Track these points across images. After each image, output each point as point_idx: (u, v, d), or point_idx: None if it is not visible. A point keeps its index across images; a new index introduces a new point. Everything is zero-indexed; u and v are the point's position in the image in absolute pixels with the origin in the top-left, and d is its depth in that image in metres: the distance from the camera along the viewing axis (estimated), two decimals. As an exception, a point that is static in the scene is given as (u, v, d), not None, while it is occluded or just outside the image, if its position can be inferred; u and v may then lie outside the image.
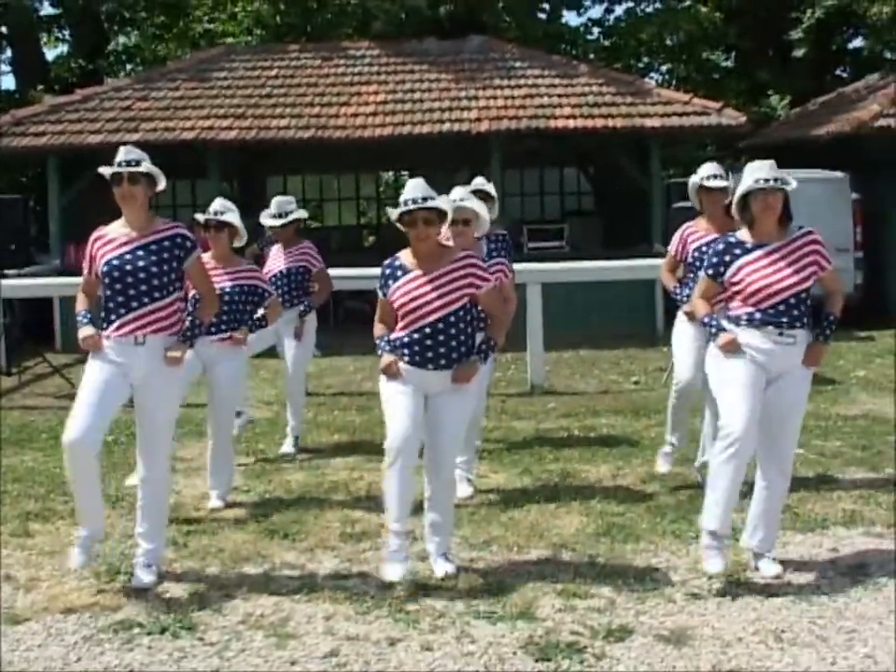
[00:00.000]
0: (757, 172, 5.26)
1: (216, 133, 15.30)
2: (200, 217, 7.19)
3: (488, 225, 6.67)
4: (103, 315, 5.46)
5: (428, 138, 15.49)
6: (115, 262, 5.38)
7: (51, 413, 10.34)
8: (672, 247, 7.25)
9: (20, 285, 11.60)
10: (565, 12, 23.77)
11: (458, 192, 6.76)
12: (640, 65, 24.01)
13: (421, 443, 5.44)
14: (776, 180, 5.19)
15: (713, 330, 5.35)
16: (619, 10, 23.61)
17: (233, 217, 7.11)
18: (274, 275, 8.39)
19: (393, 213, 5.37)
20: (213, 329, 6.95)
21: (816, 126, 17.56)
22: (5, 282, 11.94)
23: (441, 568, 5.45)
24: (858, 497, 6.67)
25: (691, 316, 6.66)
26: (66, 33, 23.23)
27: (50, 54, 23.94)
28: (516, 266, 11.65)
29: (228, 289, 7.03)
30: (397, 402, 5.38)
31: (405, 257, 5.47)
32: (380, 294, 5.51)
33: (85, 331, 5.43)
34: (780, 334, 5.24)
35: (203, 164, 15.77)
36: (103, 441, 5.53)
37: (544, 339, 11.46)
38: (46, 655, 4.70)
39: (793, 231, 5.34)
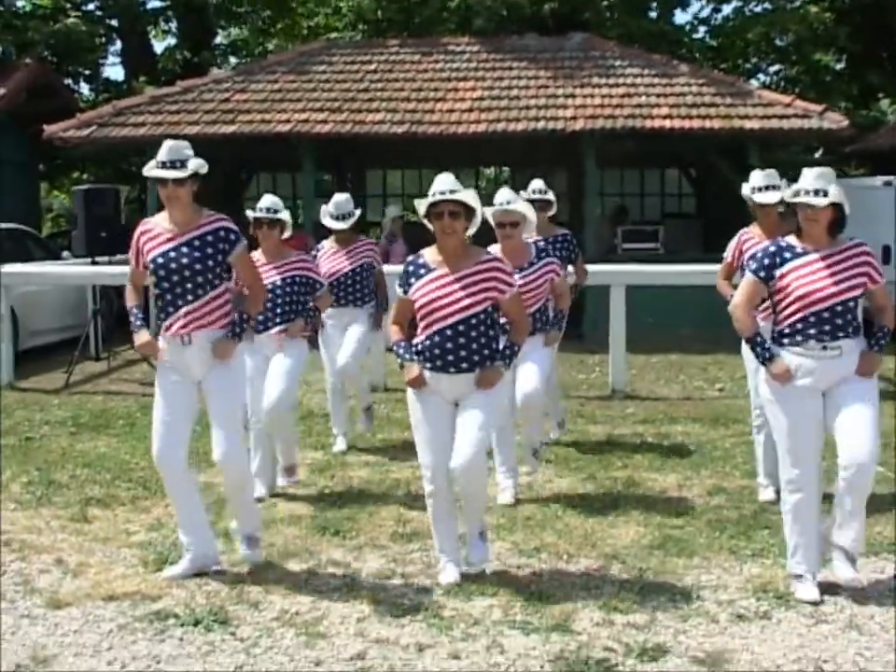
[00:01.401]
0: (802, 181, 5.10)
1: (310, 127, 15.33)
2: (251, 213, 7.18)
3: (535, 227, 6.58)
4: (158, 311, 5.48)
5: (523, 135, 15.34)
6: (160, 260, 5.37)
7: (133, 400, 10.52)
8: (728, 253, 7.05)
9: (110, 272, 11.78)
10: (671, 10, 23.33)
11: (505, 194, 6.68)
12: (748, 66, 23.48)
13: None
14: (816, 192, 5.01)
15: (766, 355, 5.18)
16: (727, 9, 23.14)
17: (284, 214, 7.13)
18: (340, 277, 8.33)
19: (420, 206, 5.26)
20: (269, 325, 7.05)
21: (927, 131, 17.00)
22: (95, 269, 12.18)
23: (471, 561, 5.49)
24: (932, 520, 6.38)
25: None
26: (173, 25, 23.65)
27: (159, 47, 24.38)
28: (602, 267, 11.70)
29: (279, 283, 7.06)
30: (426, 432, 5.33)
31: (429, 255, 5.36)
32: (400, 292, 5.39)
33: (141, 337, 5.47)
34: (824, 348, 5.06)
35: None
36: (186, 454, 5.53)
37: (634, 342, 11.28)
38: (80, 642, 4.74)
39: (844, 241, 5.17)
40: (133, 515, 6.62)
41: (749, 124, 14.73)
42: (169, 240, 5.40)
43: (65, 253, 14.74)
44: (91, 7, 22.34)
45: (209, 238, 5.38)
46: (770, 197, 6.66)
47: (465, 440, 5.25)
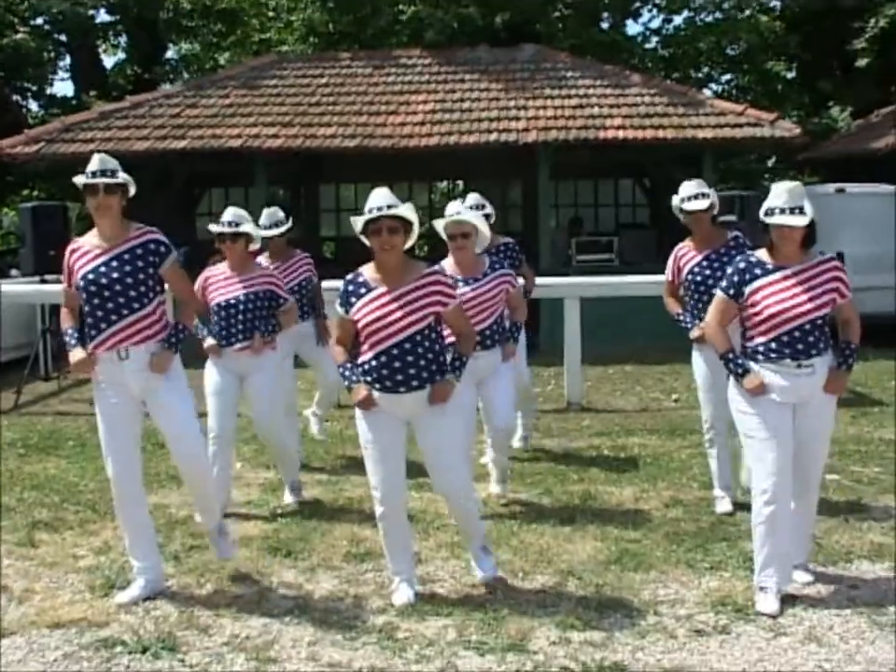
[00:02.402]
0: (776, 199, 5.05)
1: (262, 142, 15.23)
2: (214, 227, 7.06)
3: (488, 239, 6.52)
4: (86, 329, 5.35)
5: (476, 148, 15.31)
6: (90, 276, 5.24)
7: (83, 420, 10.30)
8: (668, 272, 6.93)
9: (58, 290, 11.57)
10: (623, 21, 23.42)
11: (455, 207, 6.65)
12: (700, 76, 23.60)
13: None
14: (793, 210, 4.98)
15: (739, 371, 5.16)
16: (678, 19, 23.26)
17: (248, 226, 6.99)
18: None
19: (357, 222, 5.15)
20: (233, 340, 6.93)
21: (877, 138, 17.13)
22: (44, 287, 11.98)
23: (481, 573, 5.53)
24: (889, 529, 6.35)
25: (700, 340, 6.43)
26: (123, 40, 23.43)
27: (109, 62, 24.14)
28: (556, 280, 11.67)
29: (241, 298, 6.92)
30: (376, 453, 5.22)
31: (368, 272, 5.24)
32: (340, 311, 5.26)
33: (76, 355, 5.32)
34: (798, 366, 5.08)
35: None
36: (141, 477, 5.51)
37: (590, 353, 11.24)
38: (24, 671, 4.59)
39: (815, 255, 5.16)
40: (82, 539, 6.47)
41: (702, 133, 14.80)
42: (98, 255, 5.27)
43: (14, 271, 14.50)
44: (39, 21, 22.08)
45: (139, 251, 5.26)
46: (699, 204, 6.62)
47: (441, 465, 5.22)
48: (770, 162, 22.86)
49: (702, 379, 6.86)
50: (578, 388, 10.97)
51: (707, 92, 21.43)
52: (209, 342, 6.90)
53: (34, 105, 23.10)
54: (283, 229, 8.13)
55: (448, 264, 6.58)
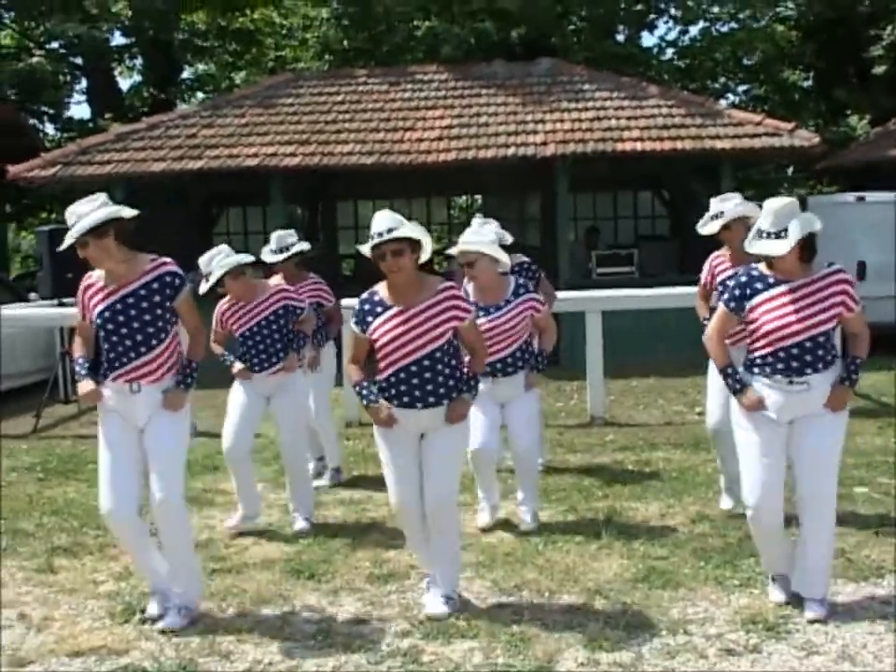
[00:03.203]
0: (762, 221, 4.95)
1: (279, 160, 15.20)
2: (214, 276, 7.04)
3: (506, 261, 6.48)
4: (103, 359, 5.28)
5: (493, 163, 15.25)
6: (106, 314, 5.15)
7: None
8: (703, 276, 6.98)
9: (76, 313, 11.55)
10: (639, 33, 23.36)
11: (468, 232, 6.75)
12: (716, 86, 23.50)
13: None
14: (777, 235, 4.85)
15: (737, 386, 5.09)
16: (693, 30, 23.18)
17: (243, 257, 7.00)
18: None
19: (364, 249, 5.12)
20: (256, 368, 7.04)
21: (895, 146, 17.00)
22: (61, 310, 11.95)
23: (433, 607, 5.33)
24: (922, 542, 6.23)
25: None
26: (139, 62, 23.52)
27: (125, 84, 24.23)
28: (577, 293, 11.59)
29: (256, 328, 7.03)
30: (396, 470, 5.25)
31: (383, 290, 5.21)
32: (356, 329, 5.23)
33: (84, 386, 5.27)
34: (790, 382, 4.97)
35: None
36: (138, 505, 5.37)
37: (612, 367, 11.15)
38: (42, 702, 4.53)
39: (820, 266, 5.03)
40: (101, 564, 6.41)
41: (720, 144, 14.69)
42: (112, 293, 5.15)
43: (33, 294, 14.51)
44: (55, 45, 22.18)
45: (154, 286, 5.16)
46: (710, 228, 6.61)
47: (437, 472, 5.23)
48: (789, 172, 22.70)
49: (712, 384, 6.84)
50: (601, 403, 10.87)
51: (723, 103, 21.32)
52: (237, 366, 7.04)
53: (50, 129, 23.22)
54: (288, 254, 8.07)
55: (470, 289, 6.58)
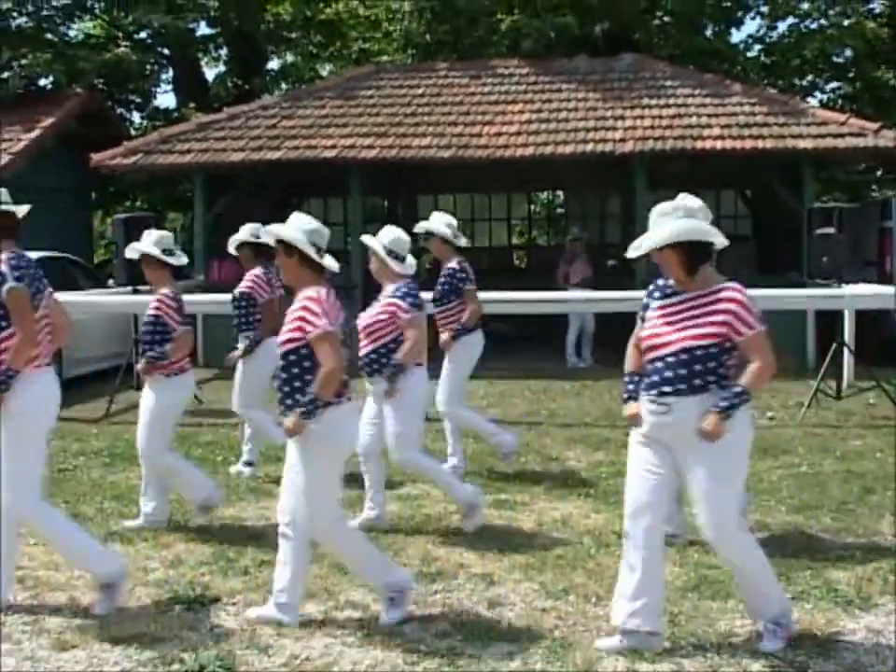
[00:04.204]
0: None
1: (356, 152, 15.25)
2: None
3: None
4: None
5: (571, 159, 15.14)
6: None
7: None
8: None
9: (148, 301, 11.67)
10: (728, 29, 22.93)
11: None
12: (804, 84, 23.01)
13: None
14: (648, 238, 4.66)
15: (624, 396, 4.90)
16: (782, 26, 22.70)
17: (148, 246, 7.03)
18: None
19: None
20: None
21: None
22: (135, 297, 12.10)
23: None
24: None
25: None
26: (223, 52, 23.73)
27: (211, 74, 24.49)
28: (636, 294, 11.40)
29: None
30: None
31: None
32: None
33: None
34: (652, 401, 4.65)
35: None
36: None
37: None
38: (80, 687, 4.56)
39: (716, 281, 4.66)
40: (154, 552, 6.45)
41: (802, 143, 14.40)
42: None
43: (111, 281, 14.71)
44: (142, 35, 22.49)
45: None
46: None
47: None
48: (878, 173, 22.16)
49: None
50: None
51: (812, 101, 20.89)
52: None
53: (137, 118, 23.56)
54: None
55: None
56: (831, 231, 11.01)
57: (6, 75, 19.60)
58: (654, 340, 4.66)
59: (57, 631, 5.15)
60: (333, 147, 15.38)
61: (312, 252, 5.08)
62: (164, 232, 7.40)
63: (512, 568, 6.00)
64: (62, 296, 11.86)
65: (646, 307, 4.85)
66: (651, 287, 4.91)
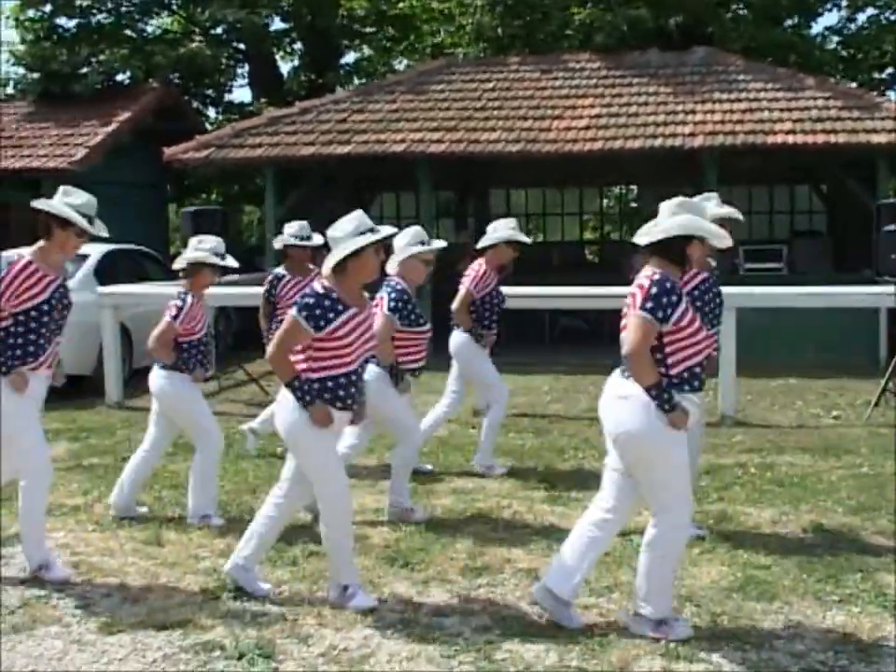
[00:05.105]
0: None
1: (425, 146, 15.29)
2: None
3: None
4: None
5: (640, 153, 15.03)
6: None
7: (235, 421, 10.46)
8: None
9: (215, 293, 11.82)
10: (801, 20, 22.53)
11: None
12: (882, 77, 22.53)
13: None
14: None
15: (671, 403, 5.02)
16: (861, 18, 22.24)
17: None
18: None
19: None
20: None
21: None
22: (214, 290, 12.24)
23: None
24: None
25: None
26: (298, 47, 23.93)
27: (285, 68, 24.72)
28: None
29: None
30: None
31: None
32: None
33: None
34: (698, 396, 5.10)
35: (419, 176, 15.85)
36: None
37: (752, 364, 11.03)
38: (123, 670, 4.65)
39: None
40: (206, 540, 6.55)
41: (876, 138, 14.14)
42: None
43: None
44: (218, 30, 22.77)
45: None
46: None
47: None
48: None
49: None
50: (732, 401, 10.59)
51: (890, 95, 20.48)
52: None
53: (212, 112, 23.88)
54: (309, 243, 8.77)
55: None
56: (899, 227, 10.80)
57: (84, 70, 19.98)
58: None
59: (105, 616, 5.27)
60: (402, 141, 15.43)
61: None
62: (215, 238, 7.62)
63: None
64: (123, 288, 12.19)
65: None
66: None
